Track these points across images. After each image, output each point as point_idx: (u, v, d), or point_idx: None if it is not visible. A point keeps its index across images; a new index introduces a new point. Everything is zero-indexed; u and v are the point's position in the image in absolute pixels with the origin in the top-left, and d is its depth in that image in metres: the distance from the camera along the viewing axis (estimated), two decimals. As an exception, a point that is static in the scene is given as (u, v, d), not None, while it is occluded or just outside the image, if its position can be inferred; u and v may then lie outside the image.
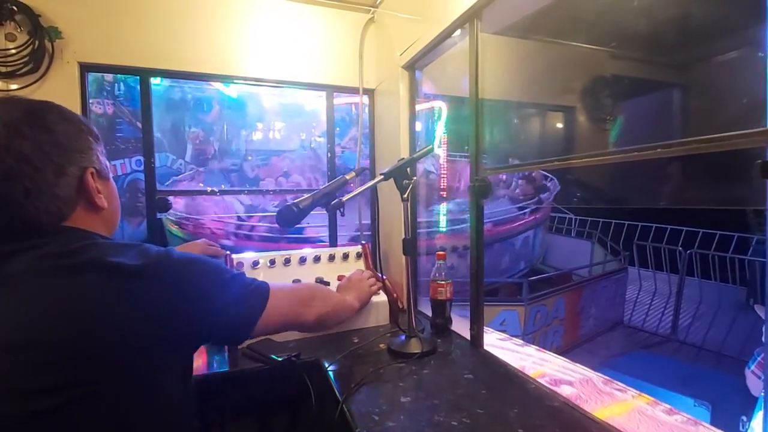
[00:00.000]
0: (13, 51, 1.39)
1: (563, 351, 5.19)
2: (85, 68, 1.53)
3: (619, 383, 1.06)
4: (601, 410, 0.91)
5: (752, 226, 6.51)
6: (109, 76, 6.47)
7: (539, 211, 7.00)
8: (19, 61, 1.40)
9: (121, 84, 6.79)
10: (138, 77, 1.62)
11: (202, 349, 1.28)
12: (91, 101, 1.59)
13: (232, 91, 6.75)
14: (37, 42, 1.40)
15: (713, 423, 0.87)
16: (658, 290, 6.48)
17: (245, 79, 1.75)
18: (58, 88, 1.47)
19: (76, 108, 1.49)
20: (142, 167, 1.68)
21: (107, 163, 0.74)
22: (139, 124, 1.62)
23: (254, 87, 1.82)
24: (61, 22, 1.45)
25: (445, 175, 4.69)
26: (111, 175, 0.75)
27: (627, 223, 7.56)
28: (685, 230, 6.58)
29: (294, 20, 1.78)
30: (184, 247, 1.22)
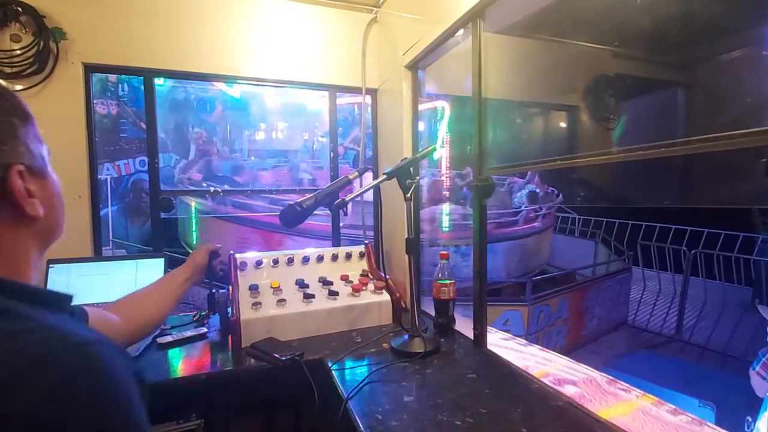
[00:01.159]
0: (18, 52, 1.40)
1: (567, 351, 5.17)
2: (90, 69, 1.54)
3: (623, 383, 1.06)
4: (605, 410, 0.91)
5: (757, 225, 6.48)
6: (113, 77, 6.49)
7: (546, 218, 6.98)
8: (24, 62, 1.41)
9: (125, 84, 6.83)
10: (142, 78, 1.63)
11: (206, 347, 1.28)
12: (95, 102, 1.60)
13: (235, 91, 6.77)
14: (42, 43, 1.41)
15: (718, 423, 0.87)
16: (662, 290, 6.45)
17: (248, 79, 1.75)
18: (63, 88, 1.48)
19: (80, 109, 1.50)
20: (145, 167, 1.69)
21: (44, 151, 0.54)
22: (143, 125, 1.63)
23: (257, 87, 1.83)
24: (65, 24, 1.46)
25: (447, 176, 4.70)
26: (49, 167, 0.54)
27: (631, 222, 7.53)
28: (690, 230, 6.54)
29: (297, 20, 1.78)
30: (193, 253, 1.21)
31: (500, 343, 1.35)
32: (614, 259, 7.23)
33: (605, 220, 7.93)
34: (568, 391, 1.01)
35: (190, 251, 1.27)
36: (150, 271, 1.47)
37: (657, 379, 3.06)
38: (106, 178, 6.32)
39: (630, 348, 5.52)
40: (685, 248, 6.17)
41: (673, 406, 0.93)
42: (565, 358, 1.29)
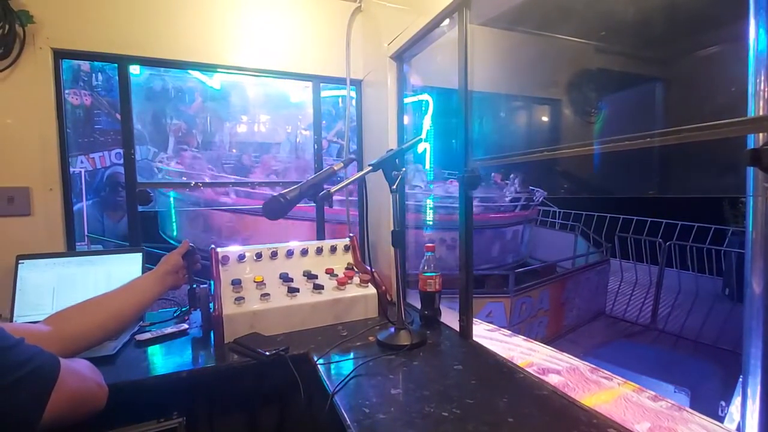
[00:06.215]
0: (-19, 36, 1.32)
1: (547, 341, 5.26)
2: (60, 55, 1.46)
3: (605, 371, 1.08)
4: (588, 398, 0.92)
5: (728, 218, 6.74)
6: (86, 66, 6.25)
7: (529, 209, 7.11)
8: (-13, 47, 1.33)
9: (99, 74, 6.57)
10: (116, 65, 1.56)
11: (187, 344, 1.25)
12: (67, 91, 1.52)
13: (215, 82, 6.60)
14: (6, 26, 1.33)
15: (692, 408, 0.90)
16: (639, 281, 6.65)
17: (229, 68, 1.70)
18: (31, 75, 1.40)
19: (49, 97, 1.43)
20: (122, 160, 1.62)
21: None
22: (119, 116, 1.56)
23: (238, 78, 1.79)
24: (32, 6, 1.38)
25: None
26: None
27: (609, 215, 7.74)
28: (665, 222, 6.75)
29: (279, 8, 1.74)
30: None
31: (485, 334, 1.36)
32: (593, 251, 7.42)
33: (584, 213, 8.11)
34: (552, 380, 1.02)
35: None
36: (127, 266, 1.42)
37: (634, 367, 3.17)
38: (80, 172, 6.09)
39: (608, 337, 5.68)
40: (660, 240, 6.37)
41: (653, 393, 0.95)
42: (549, 347, 1.31)
